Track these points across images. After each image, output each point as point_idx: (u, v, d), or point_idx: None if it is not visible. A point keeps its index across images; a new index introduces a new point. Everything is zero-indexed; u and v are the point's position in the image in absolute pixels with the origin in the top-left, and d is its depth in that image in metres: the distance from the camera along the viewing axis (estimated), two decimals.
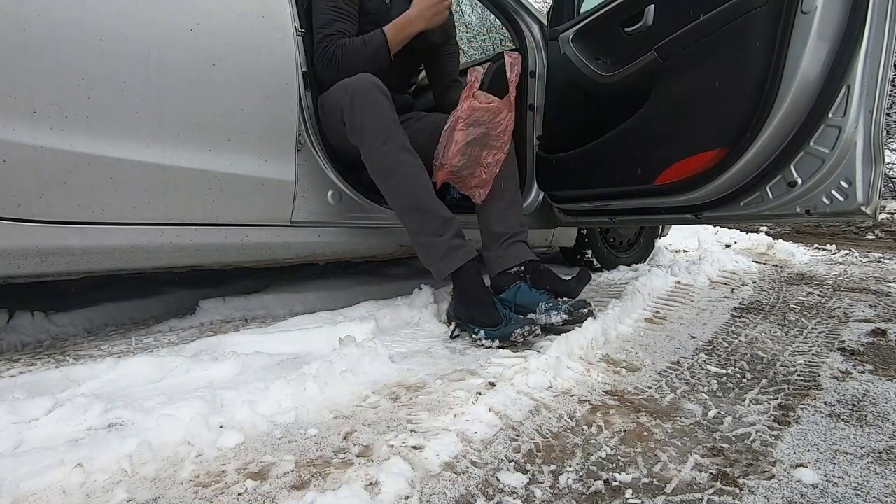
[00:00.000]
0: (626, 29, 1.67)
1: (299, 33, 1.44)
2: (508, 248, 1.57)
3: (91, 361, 1.11)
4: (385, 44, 1.52)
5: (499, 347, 1.29)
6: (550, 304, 1.41)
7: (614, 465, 0.76)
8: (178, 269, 1.43)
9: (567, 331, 1.31)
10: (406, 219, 1.44)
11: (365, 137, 1.40)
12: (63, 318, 1.49)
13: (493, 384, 1.00)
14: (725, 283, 2.27)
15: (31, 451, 0.74)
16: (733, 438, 0.85)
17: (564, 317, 1.38)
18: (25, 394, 0.91)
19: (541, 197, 2.12)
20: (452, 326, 1.41)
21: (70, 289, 1.76)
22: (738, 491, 0.70)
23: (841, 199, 1.25)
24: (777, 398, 1.01)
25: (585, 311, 1.41)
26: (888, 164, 6.43)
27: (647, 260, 2.83)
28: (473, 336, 1.33)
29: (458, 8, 10.90)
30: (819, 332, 1.51)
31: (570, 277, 1.57)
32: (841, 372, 1.17)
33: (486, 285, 1.47)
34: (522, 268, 1.55)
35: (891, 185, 6.69)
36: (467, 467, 0.74)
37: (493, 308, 1.35)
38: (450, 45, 1.86)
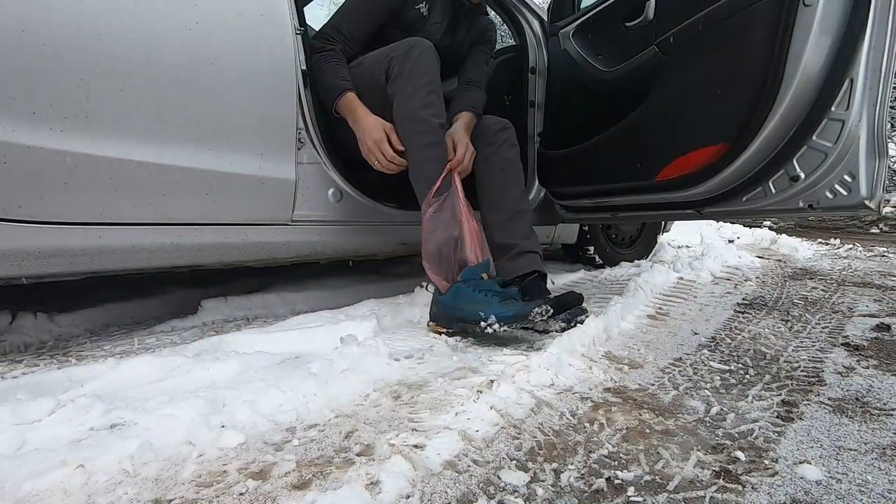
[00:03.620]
0: (627, 24, 1.66)
1: (298, 31, 1.44)
2: (512, 260, 1.51)
3: (93, 362, 1.11)
4: (335, 98, 1.49)
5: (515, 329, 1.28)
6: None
7: (616, 462, 0.76)
8: (180, 268, 1.43)
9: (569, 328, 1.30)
10: (413, 162, 1.43)
11: (411, 82, 1.38)
12: (65, 318, 1.50)
13: (494, 382, 1.00)
14: (728, 279, 2.26)
15: (33, 452, 0.74)
16: (736, 435, 0.84)
17: (562, 325, 1.33)
18: (28, 395, 0.91)
19: (542, 194, 2.12)
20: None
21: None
22: (740, 488, 0.69)
23: (844, 193, 1.25)
24: (780, 394, 1.01)
25: (583, 317, 1.35)
26: (892, 157, 6.40)
27: (650, 256, 2.82)
28: (482, 322, 1.26)
29: None
30: (823, 328, 1.51)
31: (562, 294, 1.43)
32: (845, 367, 1.16)
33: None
34: (517, 279, 1.48)
35: (894, 178, 6.65)
36: (469, 466, 0.74)
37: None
38: (480, 49, 1.78)
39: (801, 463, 0.75)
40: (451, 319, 1.37)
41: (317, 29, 1.66)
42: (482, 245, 1.43)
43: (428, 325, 1.43)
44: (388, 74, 1.43)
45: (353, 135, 1.50)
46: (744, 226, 4.51)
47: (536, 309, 1.23)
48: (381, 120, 1.46)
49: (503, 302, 1.29)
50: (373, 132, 1.44)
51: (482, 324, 1.28)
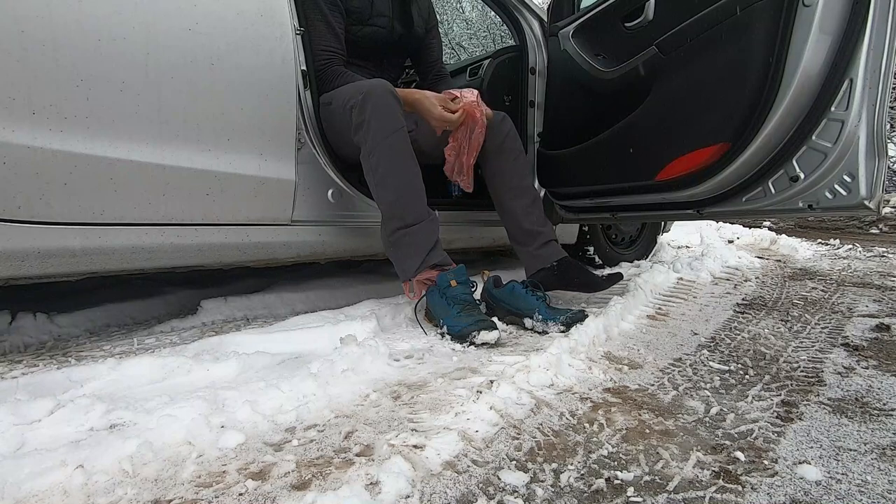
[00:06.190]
0: (627, 24, 1.66)
1: (298, 32, 1.44)
2: (544, 247, 1.66)
3: (93, 362, 1.11)
4: None
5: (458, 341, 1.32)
6: (548, 315, 1.42)
7: (616, 462, 0.76)
8: (180, 269, 1.43)
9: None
10: (388, 218, 1.47)
11: (369, 137, 1.41)
12: (65, 318, 1.50)
13: (494, 382, 1.00)
14: (728, 279, 2.26)
15: (33, 453, 0.74)
16: (736, 435, 0.84)
17: (562, 328, 1.38)
18: (27, 395, 0.91)
19: (542, 193, 2.12)
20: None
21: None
22: (740, 488, 0.69)
23: (844, 193, 1.25)
24: (780, 394, 1.01)
25: (583, 318, 1.40)
26: (891, 157, 6.40)
27: (650, 256, 2.82)
28: (439, 330, 1.37)
29: (459, 5, 10.89)
30: (822, 328, 1.50)
31: (601, 273, 1.62)
32: (844, 367, 1.16)
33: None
34: (555, 264, 1.64)
35: (894, 179, 6.65)
36: (468, 466, 0.74)
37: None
38: (432, 37, 1.88)
39: (800, 463, 0.75)
40: (433, 316, 1.45)
41: None
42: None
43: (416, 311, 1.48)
44: (350, 119, 1.45)
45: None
46: (744, 226, 4.52)
47: (475, 333, 1.28)
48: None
49: (461, 314, 1.35)
50: (432, 108, 1.52)
51: (439, 331, 1.37)
